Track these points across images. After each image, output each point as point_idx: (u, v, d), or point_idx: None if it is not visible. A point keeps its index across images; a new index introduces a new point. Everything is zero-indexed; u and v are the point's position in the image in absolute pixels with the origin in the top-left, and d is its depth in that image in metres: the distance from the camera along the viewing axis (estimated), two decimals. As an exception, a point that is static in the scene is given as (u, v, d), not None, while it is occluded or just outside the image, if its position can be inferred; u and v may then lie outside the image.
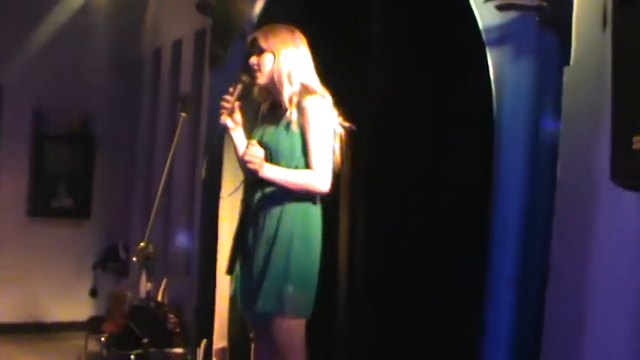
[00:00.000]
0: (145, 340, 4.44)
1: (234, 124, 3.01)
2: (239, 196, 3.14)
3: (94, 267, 6.50)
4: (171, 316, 4.98)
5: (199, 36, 5.41)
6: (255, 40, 2.97)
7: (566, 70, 2.52)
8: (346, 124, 2.99)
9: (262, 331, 2.95)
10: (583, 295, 2.41)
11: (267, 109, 3.04)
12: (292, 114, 2.86)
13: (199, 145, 5.33)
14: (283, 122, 2.89)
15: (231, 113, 2.96)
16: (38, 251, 6.42)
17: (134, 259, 3.46)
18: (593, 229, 2.39)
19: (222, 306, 4.56)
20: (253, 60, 2.96)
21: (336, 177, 2.96)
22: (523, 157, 2.70)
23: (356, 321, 3.78)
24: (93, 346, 5.37)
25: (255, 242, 2.90)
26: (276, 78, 2.91)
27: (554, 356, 2.47)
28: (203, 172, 3.64)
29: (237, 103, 2.96)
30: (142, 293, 5.01)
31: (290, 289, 2.80)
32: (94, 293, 6.47)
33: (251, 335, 3.12)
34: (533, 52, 2.69)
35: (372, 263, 3.71)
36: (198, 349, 4.64)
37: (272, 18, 3.92)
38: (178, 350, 4.93)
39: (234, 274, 2.99)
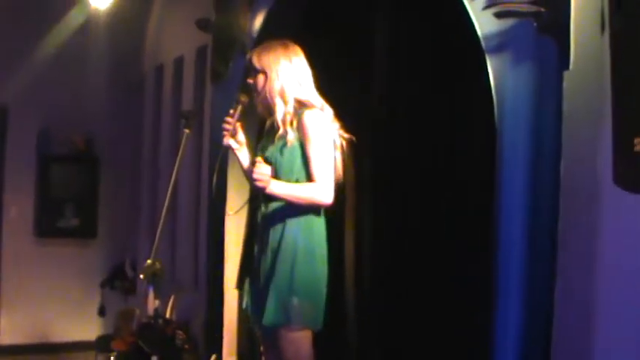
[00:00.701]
0: (155, 358, 4.43)
1: (238, 145, 3.06)
2: (244, 210, 3.16)
3: (102, 286, 6.51)
4: (180, 332, 4.97)
5: (200, 53, 5.43)
6: (249, 60, 3.00)
7: (565, 74, 2.53)
8: (346, 135, 3.00)
9: (270, 345, 2.96)
10: (590, 296, 2.40)
11: (270, 124, 3.06)
12: (289, 133, 2.87)
13: (203, 161, 5.34)
14: (281, 139, 2.91)
15: (233, 135, 3.00)
16: (46, 271, 6.43)
17: (141, 276, 3.47)
18: (598, 232, 2.39)
19: (230, 321, 4.56)
20: (250, 80, 2.99)
21: (340, 188, 2.97)
22: (525, 161, 2.70)
23: (365, 331, 3.78)
24: (102, 365, 5.39)
25: (261, 256, 2.93)
26: (268, 97, 2.94)
27: (562, 357, 2.47)
28: (213, 190, 3.65)
29: (238, 124, 3.00)
30: (150, 310, 4.99)
31: (295, 301, 2.81)
32: (102, 312, 6.47)
33: (260, 349, 3.13)
34: (532, 57, 2.70)
35: (380, 272, 3.72)
36: (207, 365, 4.64)
37: (272, 32, 3.95)
38: (188, 366, 4.93)
39: (245, 288, 3.01)
